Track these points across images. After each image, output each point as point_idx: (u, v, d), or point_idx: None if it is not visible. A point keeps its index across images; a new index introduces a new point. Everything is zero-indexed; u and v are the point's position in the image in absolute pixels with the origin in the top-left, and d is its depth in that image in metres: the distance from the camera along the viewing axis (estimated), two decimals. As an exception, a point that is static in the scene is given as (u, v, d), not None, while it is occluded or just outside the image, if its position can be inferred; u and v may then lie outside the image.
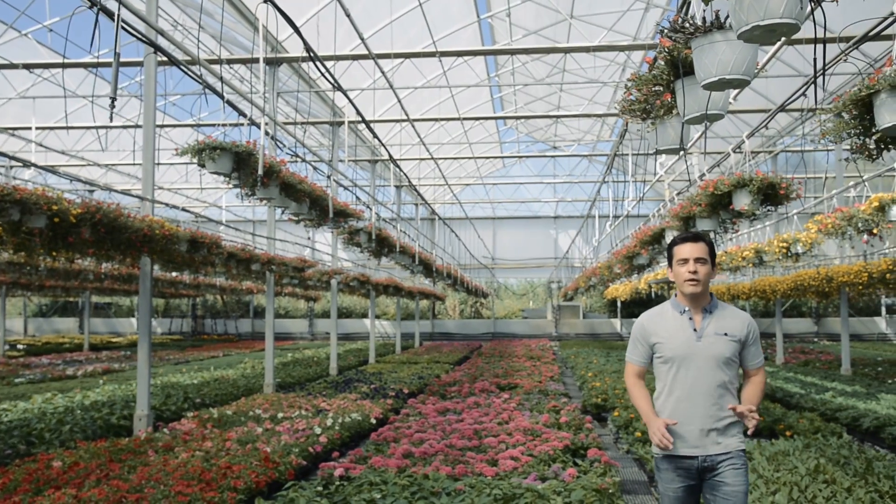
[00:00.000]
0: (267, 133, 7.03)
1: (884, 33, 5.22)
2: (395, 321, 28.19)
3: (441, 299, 31.42)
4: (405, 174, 15.93)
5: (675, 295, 3.60)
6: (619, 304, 34.51)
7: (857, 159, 4.09)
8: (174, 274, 20.03)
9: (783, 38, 7.45)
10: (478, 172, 35.44)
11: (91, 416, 8.88)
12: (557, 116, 19.55)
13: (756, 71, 3.59)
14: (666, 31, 3.76)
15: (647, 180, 17.85)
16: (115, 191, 11.08)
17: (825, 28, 3.43)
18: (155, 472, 5.77)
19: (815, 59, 3.37)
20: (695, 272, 3.42)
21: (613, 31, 17.83)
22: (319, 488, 5.40)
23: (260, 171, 6.46)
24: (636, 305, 34.38)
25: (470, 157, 26.42)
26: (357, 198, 12.56)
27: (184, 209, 12.37)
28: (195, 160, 6.42)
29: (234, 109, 6.76)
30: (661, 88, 4.17)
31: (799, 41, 8.26)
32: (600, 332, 34.86)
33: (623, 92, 4.52)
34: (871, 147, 3.94)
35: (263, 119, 6.86)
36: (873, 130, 3.76)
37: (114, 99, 4.46)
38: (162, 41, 7.26)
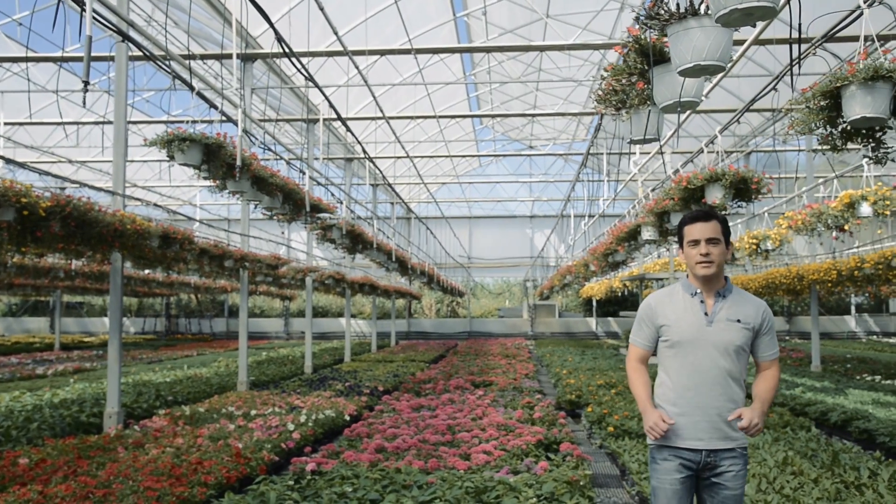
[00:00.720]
0: (246, 134, 6.98)
1: (849, 33, 5.30)
2: (370, 320, 28.12)
3: (417, 298, 31.40)
4: (380, 171, 15.91)
5: (687, 275, 3.38)
6: (594, 303, 34.71)
7: (824, 152, 4.14)
8: (147, 272, 19.87)
9: (753, 37, 7.51)
10: (454, 171, 35.48)
11: (60, 413, 8.76)
12: (533, 115, 19.63)
13: (732, 62, 3.62)
14: (641, 18, 3.78)
15: (621, 179, 17.98)
16: (91, 186, 10.91)
17: (799, 27, 3.48)
18: (124, 468, 5.71)
19: (789, 43, 3.40)
20: (707, 254, 3.19)
21: (588, 30, 17.93)
22: (291, 482, 5.37)
23: (238, 162, 6.41)
24: (611, 304, 34.64)
25: (446, 156, 26.43)
26: (332, 194, 12.53)
27: (156, 205, 12.22)
28: (164, 151, 6.36)
29: (204, 101, 6.71)
30: (636, 78, 4.20)
31: (769, 41, 8.34)
32: (576, 331, 35.01)
33: (599, 82, 4.54)
34: (837, 139, 3.99)
35: (240, 110, 6.82)
36: (839, 122, 3.82)
37: (87, 83, 4.38)
38: (133, 34, 7.19)
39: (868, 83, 3.72)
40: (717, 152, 7.89)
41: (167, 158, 6.46)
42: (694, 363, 3.18)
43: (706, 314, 3.22)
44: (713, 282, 3.25)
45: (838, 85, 3.79)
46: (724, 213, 7.15)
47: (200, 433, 7.39)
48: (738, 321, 3.19)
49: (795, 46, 3.84)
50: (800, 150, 18.34)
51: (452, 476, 5.41)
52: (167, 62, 6.40)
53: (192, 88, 6.31)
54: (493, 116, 24.76)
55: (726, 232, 3.27)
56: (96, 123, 15.74)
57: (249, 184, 7.49)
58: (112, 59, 8.36)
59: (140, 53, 6.61)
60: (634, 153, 13.30)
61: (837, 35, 5.19)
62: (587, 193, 20.70)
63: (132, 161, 21.98)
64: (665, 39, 3.72)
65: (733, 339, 3.17)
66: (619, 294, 28.15)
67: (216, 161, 6.65)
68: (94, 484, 5.20)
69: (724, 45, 3.49)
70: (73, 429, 8.25)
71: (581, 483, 5.26)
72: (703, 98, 4.07)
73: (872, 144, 3.92)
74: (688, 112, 10.67)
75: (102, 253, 7.91)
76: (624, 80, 4.28)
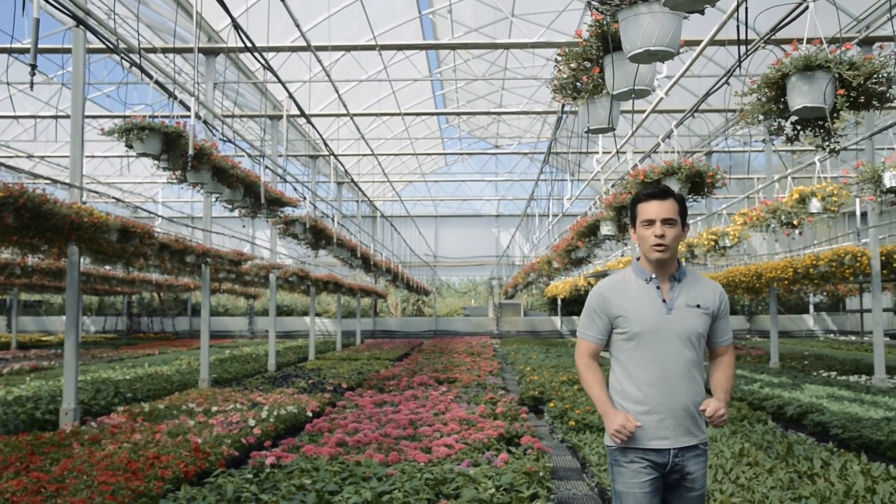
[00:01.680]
0: (199, 117, 6.91)
1: (798, 33, 5.42)
2: (335, 319, 27.98)
3: (383, 297, 31.33)
4: (345, 169, 15.84)
5: (638, 259, 3.09)
6: (559, 301, 34.93)
7: (772, 141, 4.23)
8: (107, 268, 19.57)
9: (708, 37, 7.61)
10: (420, 170, 35.47)
11: (14, 410, 8.59)
12: (498, 113, 19.68)
13: (688, 60, 3.66)
14: (593, 3, 3.80)
15: (583, 178, 18.13)
16: (45, 178, 10.70)
17: (750, 24, 3.54)
18: (78, 464, 5.61)
19: (738, 43, 3.47)
20: (662, 236, 2.91)
21: (552, 29, 18.05)
22: (249, 476, 5.33)
23: (191, 151, 6.33)
24: (576, 303, 34.84)
25: (411, 154, 26.42)
26: (295, 189, 12.45)
27: (116, 199, 12.02)
28: (123, 141, 6.28)
29: (162, 90, 6.62)
30: (591, 64, 4.24)
31: (722, 42, 8.47)
32: (541, 330, 35.22)
33: (554, 68, 4.57)
34: (789, 130, 4.07)
35: (193, 98, 6.74)
36: (788, 113, 3.89)
37: (34, 67, 4.29)
38: (92, 24, 7.07)
39: (807, 73, 3.80)
40: (674, 148, 8.00)
41: (126, 148, 6.37)
42: (656, 356, 2.92)
43: (664, 301, 2.96)
44: (667, 265, 2.99)
45: (780, 74, 3.86)
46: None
47: (159, 429, 7.30)
48: (698, 306, 2.96)
49: (745, 40, 3.92)
50: (759, 151, 18.69)
51: (412, 468, 5.41)
52: (125, 53, 6.30)
53: (150, 76, 6.23)
54: (459, 114, 24.81)
55: (683, 212, 3.01)
56: (53, 117, 15.46)
57: (210, 175, 7.41)
58: (69, 51, 8.23)
59: (97, 46, 6.50)
60: (597, 152, 13.41)
61: (787, 36, 5.30)
62: (550, 192, 20.81)
63: (92, 156, 21.62)
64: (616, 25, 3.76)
65: (695, 326, 2.94)
66: (584, 292, 28.35)
67: (175, 151, 6.57)
68: (46, 479, 5.11)
69: (674, 31, 3.52)
70: (28, 426, 8.10)
71: (540, 474, 5.29)
72: (656, 87, 4.11)
73: (823, 134, 4.01)
74: (647, 112, 10.82)
75: (59, 246, 7.77)
76: (575, 66, 4.31)
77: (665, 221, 2.93)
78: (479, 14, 18.53)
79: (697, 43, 8.86)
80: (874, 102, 3.77)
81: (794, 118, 3.96)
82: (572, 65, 4.30)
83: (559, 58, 4.44)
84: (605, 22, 3.99)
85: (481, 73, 22.51)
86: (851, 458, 6.15)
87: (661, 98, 6.89)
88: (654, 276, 3.00)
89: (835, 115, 3.77)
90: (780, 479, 5.42)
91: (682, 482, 2.93)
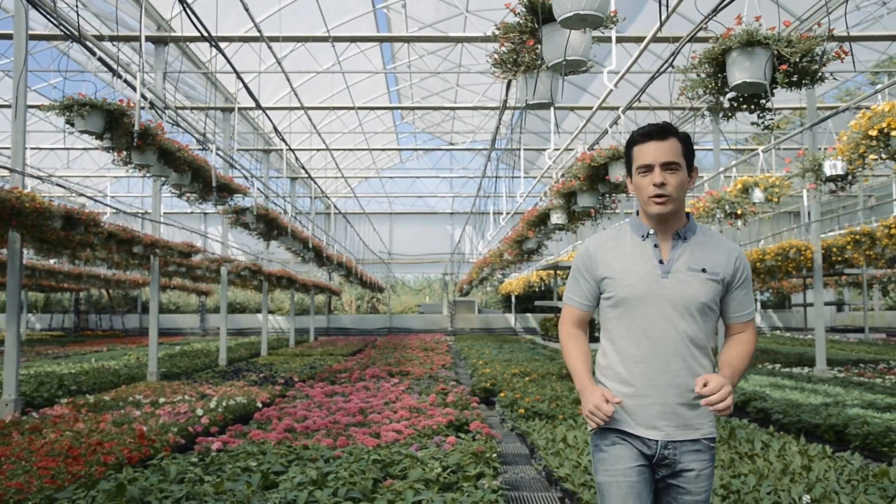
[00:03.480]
0: (144, 98, 6.80)
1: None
2: (289, 316, 27.75)
3: (337, 294, 31.16)
4: (299, 162, 15.73)
5: (637, 212, 2.57)
6: (513, 298, 35.14)
7: (711, 117, 4.35)
8: (52, 261, 19.12)
9: (651, 33, 7.72)
10: (374, 166, 35.39)
11: (-48, 402, 8.34)
12: (452, 108, 19.73)
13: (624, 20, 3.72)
14: None
15: (534, 175, 18.25)
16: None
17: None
18: (17, 451, 5.49)
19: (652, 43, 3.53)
20: (662, 185, 2.37)
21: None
22: (195, 459, 5.27)
23: (137, 126, 6.23)
24: (530, 300, 35.15)
25: (366, 149, 26.36)
26: (246, 178, 12.31)
27: (65, 188, 11.74)
28: (64, 116, 6.15)
29: (105, 67, 6.50)
30: (528, 37, 4.29)
31: (665, 39, 8.64)
32: (495, 327, 35.38)
33: (493, 39, 4.61)
34: (725, 107, 4.20)
35: (139, 75, 6.63)
36: (726, 90, 4.01)
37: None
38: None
39: (747, 49, 3.93)
40: (621, 130, 8.14)
41: (67, 126, 6.24)
42: (645, 327, 2.41)
43: (661, 262, 2.44)
44: (671, 221, 2.46)
45: (722, 49, 3.98)
46: (624, 194, 7.37)
47: (104, 419, 7.17)
48: (703, 270, 2.41)
49: (686, 29, 4.02)
50: (707, 150, 19.09)
51: (360, 450, 5.41)
52: (67, 28, 6.16)
53: (92, 53, 6.11)
54: (413, 108, 24.86)
55: (689, 153, 2.46)
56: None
57: (156, 157, 7.29)
58: (10, 37, 8.04)
59: (40, 32, 6.35)
60: (548, 147, 13.53)
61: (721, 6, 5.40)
62: (498, 187, 20.92)
63: (38, 149, 21.10)
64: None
65: (696, 293, 2.40)
66: (537, 289, 28.63)
67: (118, 129, 6.45)
68: (-17, 465, 4.99)
69: None
70: (-34, 417, 7.87)
71: (487, 455, 5.33)
72: (590, 59, 4.18)
73: (758, 111, 4.14)
74: (594, 107, 10.94)
75: (-1, 233, 7.58)
76: (515, 38, 4.36)
77: (665, 166, 2.39)
78: (435, 10, 18.57)
79: (640, 40, 9.03)
80: (807, 80, 3.92)
81: (731, 94, 4.11)
82: (514, 38, 4.36)
83: (497, 31, 4.49)
84: None
85: (435, 70, 22.57)
86: (790, 440, 6.35)
87: (611, 90, 7.00)
88: (652, 231, 2.48)
89: (773, 90, 3.92)
90: (721, 460, 5.56)
91: (674, 482, 2.42)
